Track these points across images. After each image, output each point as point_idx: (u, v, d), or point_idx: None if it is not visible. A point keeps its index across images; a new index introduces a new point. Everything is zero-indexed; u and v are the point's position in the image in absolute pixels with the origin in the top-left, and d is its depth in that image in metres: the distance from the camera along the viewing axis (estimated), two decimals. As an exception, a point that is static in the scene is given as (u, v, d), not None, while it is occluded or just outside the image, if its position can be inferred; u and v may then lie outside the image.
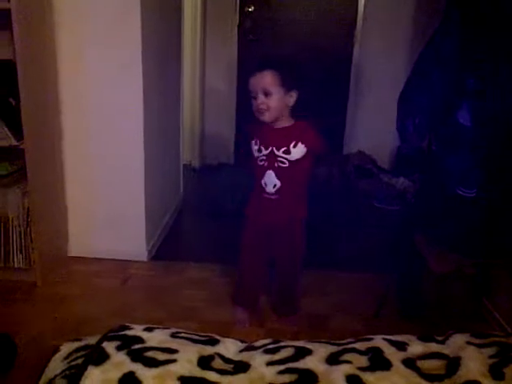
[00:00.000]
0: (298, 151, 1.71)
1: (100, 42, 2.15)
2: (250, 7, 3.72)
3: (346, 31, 3.72)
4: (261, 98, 1.68)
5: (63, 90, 2.22)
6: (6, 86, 2.02)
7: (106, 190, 2.34)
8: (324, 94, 3.66)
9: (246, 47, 3.81)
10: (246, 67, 3.83)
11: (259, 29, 3.76)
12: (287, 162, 1.72)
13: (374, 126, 3.68)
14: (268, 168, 1.75)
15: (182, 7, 2.97)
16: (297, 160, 1.72)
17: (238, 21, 3.76)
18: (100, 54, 2.17)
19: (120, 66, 2.18)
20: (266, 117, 1.71)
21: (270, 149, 1.73)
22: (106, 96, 2.22)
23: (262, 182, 1.77)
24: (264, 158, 1.75)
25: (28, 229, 2.09)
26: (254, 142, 1.79)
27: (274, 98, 1.68)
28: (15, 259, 2.13)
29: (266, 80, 1.67)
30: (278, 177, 1.74)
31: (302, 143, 1.70)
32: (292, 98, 1.71)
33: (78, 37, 2.15)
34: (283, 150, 1.71)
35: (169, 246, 2.62)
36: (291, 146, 1.70)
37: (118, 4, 2.10)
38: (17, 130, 1.97)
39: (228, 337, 1.06)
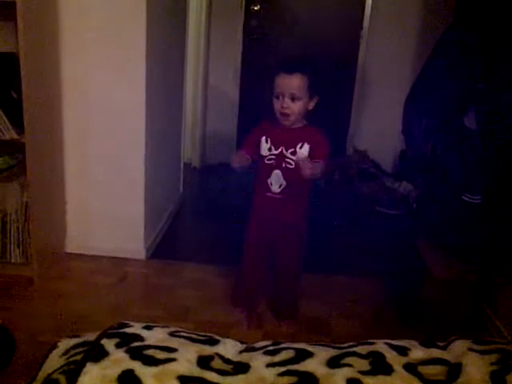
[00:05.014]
0: (303, 152, 1.70)
1: (104, 38, 2.14)
2: (255, 6, 3.72)
3: (352, 31, 3.70)
4: (287, 102, 1.65)
5: (65, 84, 2.20)
6: (8, 79, 2.01)
7: (105, 187, 2.32)
8: (328, 95, 3.66)
9: (251, 46, 3.80)
10: (251, 66, 3.82)
11: (264, 28, 3.75)
12: (293, 163, 1.71)
13: (377, 129, 3.67)
14: (275, 168, 1.74)
15: (188, 5, 2.96)
16: None
17: (243, 19, 3.75)
18: (103, 49, 2.15)
19: (123, 63, 2.17)
20: (289, 121, 1.70)
21: (280, 149, 1.72)
22: (108, 92, 2.20)
23: (268, 181, 1.76)
24: (273, 157, 1.74)
25: (26, 223, 2.07)
26: (264, 139, 1.76)
27: (299, 103, 1.66)
28: (12, 254, 2.12)
29: (296, 84, 1.64)
30: (285, 177, 1.73)
31: (308, 144, 1.70)
32: (313, 102, 1.70)
33: (81, 32, 2.13)
34: (291, 151, 1.71)
35: (167, 245, 2.60)
36: (298, 146, 1.70)
37: (124, 0, 2.08)
38: (18, 124, 1.95)
39: (227, 337, 1.05)
